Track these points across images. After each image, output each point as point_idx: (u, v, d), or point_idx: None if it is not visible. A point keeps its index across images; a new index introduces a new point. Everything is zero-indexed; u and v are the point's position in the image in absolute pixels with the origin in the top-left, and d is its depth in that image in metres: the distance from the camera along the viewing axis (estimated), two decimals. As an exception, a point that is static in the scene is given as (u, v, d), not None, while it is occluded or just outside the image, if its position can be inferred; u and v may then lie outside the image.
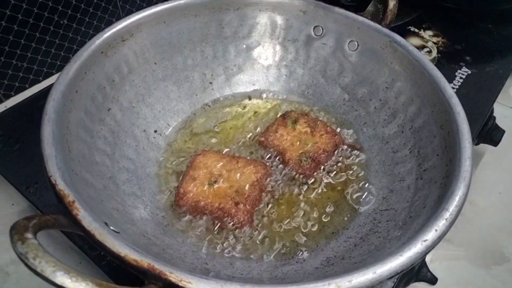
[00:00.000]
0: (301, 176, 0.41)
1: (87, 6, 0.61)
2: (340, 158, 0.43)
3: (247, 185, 0.37)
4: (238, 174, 0.38)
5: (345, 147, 0.43)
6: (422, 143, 0.37)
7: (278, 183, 0.40)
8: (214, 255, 0.34)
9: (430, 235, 0.26)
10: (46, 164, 0.28)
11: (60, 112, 0.32)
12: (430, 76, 0.37)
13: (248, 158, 0.42)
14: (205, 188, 0.37)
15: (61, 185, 0.27)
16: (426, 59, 0.38)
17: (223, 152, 0.42)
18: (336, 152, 0.43)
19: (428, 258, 0.51)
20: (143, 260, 0.24)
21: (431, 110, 0.37)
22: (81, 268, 0.42)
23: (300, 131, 0.43)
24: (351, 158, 0.42)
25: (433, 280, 0.43)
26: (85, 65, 0.36)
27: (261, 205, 0.38)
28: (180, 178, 0.39)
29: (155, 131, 0.42)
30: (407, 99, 0.40)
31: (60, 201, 0.27)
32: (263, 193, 0.39)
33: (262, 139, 0.43)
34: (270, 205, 0.38)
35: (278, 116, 0.45)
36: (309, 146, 0.42)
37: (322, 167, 0.41)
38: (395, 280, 0.38)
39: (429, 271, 0.43)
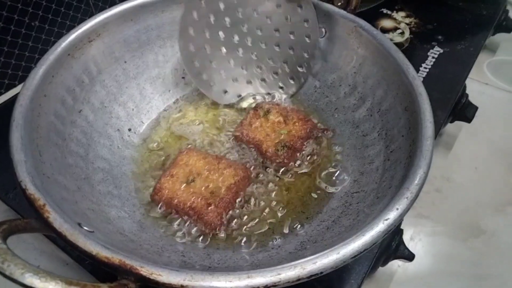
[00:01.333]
0: (279, 165, 0.41)
1: (58, 6, 0.61)
2: (313, 145, 0.43)
3: (224, 187, 0.37)
4: (217, 175, 0.38)
5: (318, 132, 0.44)
6: (389, 125, 0.38)
7: (256, 173, 0.41)
8: (192, 248, 0.35)
9: (392, 214, 0.27)
10: (15, 170, 0.29)
11: (28, 117, 0.32)
12: (394, 59, 0.38)
13: (232, 159, 0.42)
14: (182, 186, 0.37)
15: (31, 190, 0.27)
16: (390, 43, 0.39)
17: (200, 148, 0.43)
18: (309, 138, 0.44)
19: (407, 236, 0.53)
20: (114, 257, 0.25)
21: (396, 92, 0.37)
22: (67, 269, 0.43)
23: (273, 122, 0.43)
24: (323, 144, 0.43)
25: (410, 256, 0.44)
26: (52, 69, 0.36)
27: (238, 202, 0.38)
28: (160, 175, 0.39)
29: (129, 130, 0.43)
30: (374, 82, 0.41)
31: (31, 205, 0.27)
32: (241, 193, 0.39)
33: (238, 133, 0.43)
34: (246, 199, 0.39)
35: (250, 108, 0.46)
36: (283, 135, 0.42)
37: (299, 154, 0.42)
38: (373, 258, 0.40)
39: (406, 248, 0.45)
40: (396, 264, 0.48)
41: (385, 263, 0.45)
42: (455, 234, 0.53)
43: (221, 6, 0.42)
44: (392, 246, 0.44)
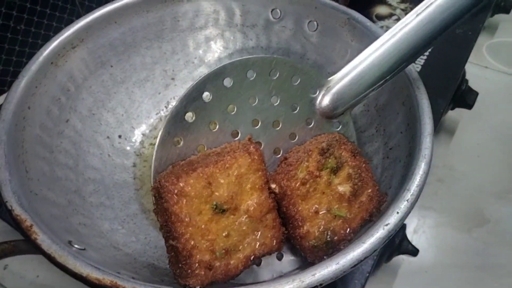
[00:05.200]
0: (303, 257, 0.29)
1: (44, 8, 0.59)
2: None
3: (242, 253, 0.27)
4: (251, 234, 0.27)
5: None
6: (386, 121, 0.36)
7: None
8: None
9: (392, 219, 0.26)
10: (0, 190, 0.27)
11: (12, 132, 0.31)
12: (389, 51, 0.36)
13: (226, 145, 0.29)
14: (220, 247, 0.26)
15: (17, 210, 0.26)
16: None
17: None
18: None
19: (411, 229, 0.52)
20: (105, 278, 0.24)
21: (392, 86, 0.36)
22: (68, 277, 0.42)
23: (335, 188, 0.28)
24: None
25: (414, 252, 0.44)
26: (35, 79, 0.35)
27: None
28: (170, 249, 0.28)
29: (119, 136, 0.41)
30: (370, 76, 0.39)
31: (18, 226, 0.26)
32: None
33: (276, 188, 0.28)
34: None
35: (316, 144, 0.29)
36: (338, 219, 0.28)
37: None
38: (375, 257, 0.39)
39: (410, 243, 0.44)
40: (400, 258, 0.48)
41: (389, 259, 0.44)
42: (459, 224, 0.52)
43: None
44: (395, 242, 0.43)
